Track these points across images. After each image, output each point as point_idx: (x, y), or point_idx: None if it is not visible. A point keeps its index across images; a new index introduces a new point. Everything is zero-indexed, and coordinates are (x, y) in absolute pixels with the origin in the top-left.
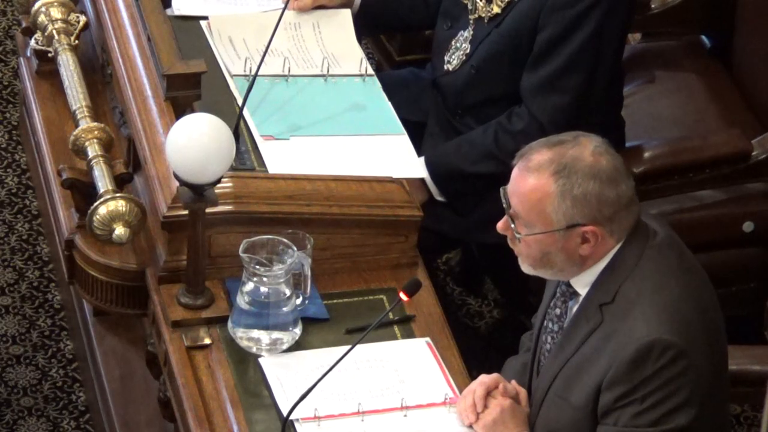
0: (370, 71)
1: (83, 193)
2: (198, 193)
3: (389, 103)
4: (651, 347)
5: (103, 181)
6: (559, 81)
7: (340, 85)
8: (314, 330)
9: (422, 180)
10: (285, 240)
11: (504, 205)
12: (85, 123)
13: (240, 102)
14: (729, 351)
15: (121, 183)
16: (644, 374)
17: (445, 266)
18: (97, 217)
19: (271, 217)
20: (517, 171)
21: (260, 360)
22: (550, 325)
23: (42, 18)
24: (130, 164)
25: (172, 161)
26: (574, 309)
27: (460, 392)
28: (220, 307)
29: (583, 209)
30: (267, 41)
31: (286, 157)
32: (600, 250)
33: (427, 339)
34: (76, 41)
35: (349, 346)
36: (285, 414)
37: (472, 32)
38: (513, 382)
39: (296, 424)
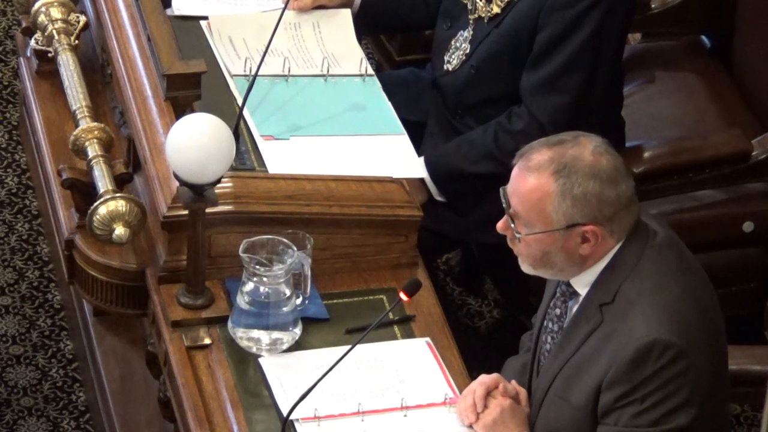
0: (370, 71)
1: (83, 193)
2: (198, 193)
3: (389, 103)
4: (651, 347)
5: (103, 181)
6: (558, 81)
7: (340, 85)
8: (314, 330)
9: (422, 180)
10: (285, 240)
11: (504, 205)
12: (85, 123)
13: (240, 102)
14: (729, 351)
15: (121, 183)
16: (644, 374)
17: (445, 266)
18: (97, 217)
19: (271, 217)
20: (517, 170)
21: (260, 360)
22: (550, 325)
23: (42, 18)
24: (130, 164)
25: (172, 161)
26: (574, 309)
27: (460, 392)
28: (220, 307)
29: (584, 209)
30: (267, 41)
31: (286, 157)
32: (600, 249)
33: (427, 339)
34: (76, 41)
35: (349, 346)
36: (285, 414)
37: (471, 32)
38: (513, 382)
39: (296, 424)
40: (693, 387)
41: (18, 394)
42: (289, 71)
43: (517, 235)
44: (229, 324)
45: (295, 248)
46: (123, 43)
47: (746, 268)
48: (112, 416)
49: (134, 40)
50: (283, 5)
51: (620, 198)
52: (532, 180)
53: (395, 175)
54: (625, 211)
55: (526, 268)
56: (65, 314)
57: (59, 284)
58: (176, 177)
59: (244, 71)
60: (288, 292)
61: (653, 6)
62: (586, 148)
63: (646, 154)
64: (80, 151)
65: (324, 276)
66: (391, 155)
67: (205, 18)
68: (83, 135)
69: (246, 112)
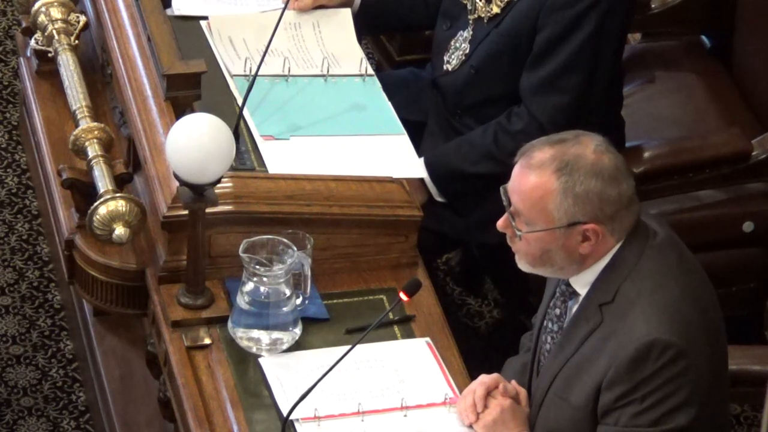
0: (370, 71)
1: (83, 193)
2: (198, 193)
3: (389, 103)
4: (651, 347)
5: (103, 181)
6: (558, 81)
7: (340, 85)
8: (314, 330)
9: (422, 180)
10: (285, 240)
11: (504, 203)
12: (85, 123)
13: (240, 102)
14: (729, 351)
15: (121, 183)
16: (644, 374)
17: (445, 266)
18: (97, 217)
19: (271, 217)
20: (519, 168)
21: (260, 360)
22: (550, 325)
23: (42, 18)
24: (130, 164)
25: (172, 161)
26: (574, 309)
27: (460, 392)
28: (220, 307)
29: (585, 207)
30: (267, 41)
31: (286, 157)
32: (600, 249)
33: (427, 339)
34: (76, 41)
35: (349, 346)
36: (285, 414)
37: (471, 32)
38: (513, 382)
39: (296, 424)
40: (693, 387)
41: (18, 394)
42: (289, 71)
43: (518, 233)
44: (229, 324)
45: (295, 248)
46: (123, 43)
47: (746, 268)
48: (112, 416)
49: (134, 40)
50: (283, 5)
51: (621, 197)
52: (534, 178)
53: (395, 175)
54: (625, 210)
55: (523, 266)
56: (65, 314)
57: (59, 284)
58: (176, 177)
59: (244, 71)
60: (288, 292)
61: (653, 6)
62: (588, 147)
63: (646, 154)
64: (80, 151)
65: (324, 276)
66: (391, 155)
67: (205, 18)
68: (83, 135)
69: (246, 112)
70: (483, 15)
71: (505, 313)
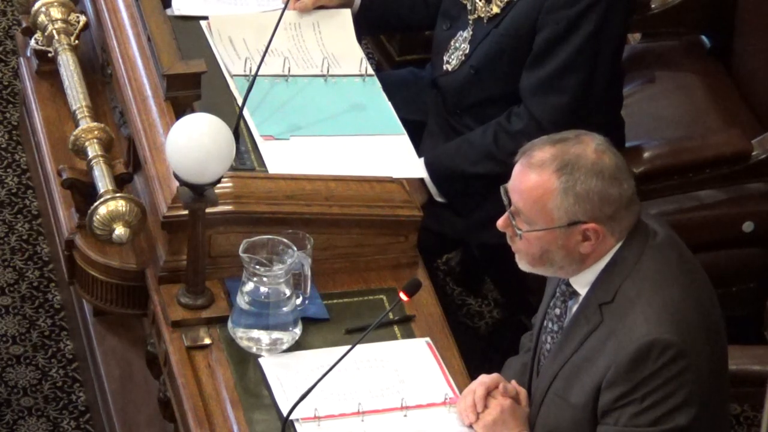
0: (370, 71)
1: (83, 193)
2: (198, 193)
3: (389, 103)
4: (651, 347)
5: (103, 181)
6: (558, 81)
7: (340, 85)
8: (314, 330)
9: (422, 180)
10: (285, 240)
11: (505, 202)
12: (85, 123)
13: (240, 102)
14: (729, 351)
15: (121, 183)
16: (644, 374)
17: (445, 266)
18: (97, 217)
19: (271, 217)
20: (519, 168)
21: (260, 360)
22: (550, 325)
23: (42, 18)
24: (130, 164)
25: (172, 161)
26: (574, 309)
27: (460, 392)
28: (220, 307)
29: (586, 206)
30: (267, 41)
31: (286, 157)
32: (600, 248)
33: (427, 339)
34: (76, 41)
35: (349, 346)
36: (285, 414)
37: (471, 32)
38: (513, 382)
39: (296, 424)
40: (693, 387)
41: (18, 394)
42: (289, 71)
43: (518, 233)
44: (229, 324)
45: (295, 248)
46: (123, 43)
47: (746, 268)
48: (112, 416)
49: (134, 40)
50: (283, 5)
51: (622, 196)
52: (535, 177)
53: (395, 175)
54: (626, 210)
55: (523, 265)
56: (65, 314)
57: (59, 284)
58: (176, 177)
59: (244, 71)
60: (288, 292)
61: (653, 6)
62: (589, 146)
63: (646, 154)
64: (80, 151)
65: (324, 276)
66: (391, 155)
67: (205, 18)
68: (83, 135)
69: (246, 112)
70: (483, 15)
71: (505, 313)
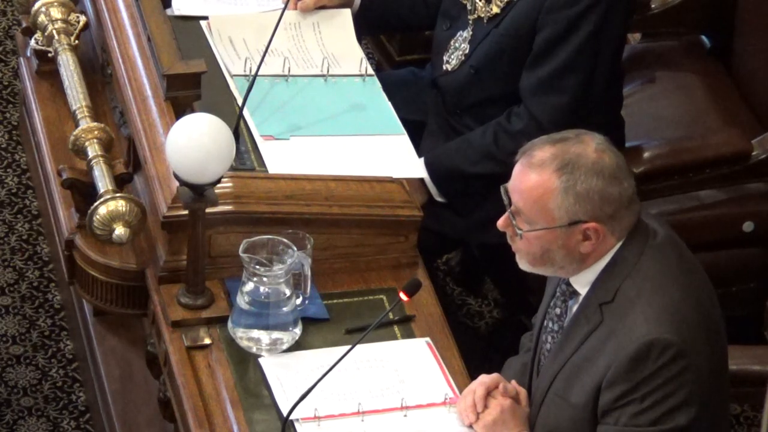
0: (370, 71)
1: (83, 193)
2: (198, 193)
3: (389, 103)
4: (651, 346)
5: (103, 181)
6: (558, 81)
7: (340, 85)
8: (314, 330)
9: (422, 180)
10: (285, 240)
11: (505, 202)
12: (85, 123)
13: (240, 102)
14: (729, 351)
15: (121, 183)
16: (644, 373)
17: (445, 266)
18: (97, 217)
19: (271, 217)
20: (520, 167)
21: (260, 360)
22: (550, 324)
23: (42, 18)
24: (130, 164)
25: (172, 161)
26: (574, 308)
27: (460, 392)
28: (220, 307)
29: (586, 206)
30: (267, 41)
31: (286, 157)
32: (601, 248)
33: (427, 339)
34: (76, 41)
35: (349, 346)
36: (285, 414)
37: (471, 32)
38: (513, 382)
39: (296, 424)
40: (693, 386)
41: (18, 394)
42: (289, 71)
43: (519, 232)
44: (229, 324)
45: (295, 248)
46: (123, 43)
47: (746, 268)
48: (112, 416)
49: (134, 40)
50: (283, 5)
51: (622, 196)
52: (535, 176)
53: (395, 175)
54: (626, 209)
55: (524, 265)
56: (65, 314)
57: (59, 284)
58: (176, 177)
59: (244, 71)
60: (288, 292)
61: (653, 6)
62: (589, 146)
63: (646, 154)
64: (80, 151)
65: (324, 276)
66: (391, 155)
67: (205, 18)
68: (83, 135)
69: (246, 112)
70: (483, 15)
71: (505, 313)
